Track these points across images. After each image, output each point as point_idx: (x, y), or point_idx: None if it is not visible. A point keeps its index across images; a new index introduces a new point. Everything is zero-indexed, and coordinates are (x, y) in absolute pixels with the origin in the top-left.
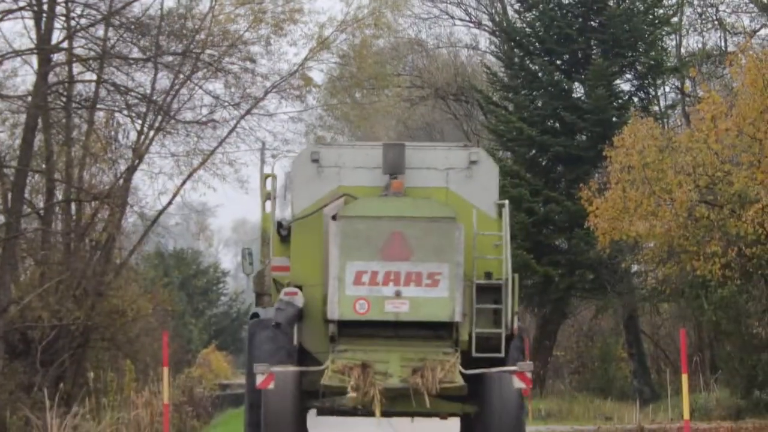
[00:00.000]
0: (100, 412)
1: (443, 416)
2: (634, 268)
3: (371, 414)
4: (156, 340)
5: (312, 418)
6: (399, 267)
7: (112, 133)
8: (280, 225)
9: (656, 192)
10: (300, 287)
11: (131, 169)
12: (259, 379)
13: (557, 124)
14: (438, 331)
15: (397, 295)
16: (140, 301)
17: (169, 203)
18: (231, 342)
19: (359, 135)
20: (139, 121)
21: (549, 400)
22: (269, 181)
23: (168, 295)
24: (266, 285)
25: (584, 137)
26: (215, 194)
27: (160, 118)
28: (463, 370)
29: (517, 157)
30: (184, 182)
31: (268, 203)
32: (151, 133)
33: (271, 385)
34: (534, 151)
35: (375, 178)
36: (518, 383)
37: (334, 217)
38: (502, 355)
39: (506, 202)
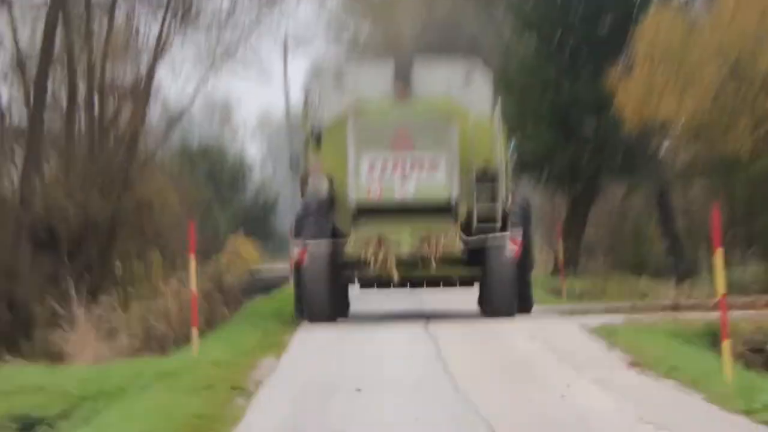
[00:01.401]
0: (128, 301)
1: (461, 282)
2: (664, 147)
3: (401, 282)
4: (184, 229)
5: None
6: (405, 156)
7: (134, 26)
8: (312, 131)
9: (682, 73)
10: (331, 180)
11: (155, 60)
12: (295, 254)
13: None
14: (440, 208)
15: (404, 179)
16: (167, 193)
17: (195, 95)
18: (259, 229)
19: (382, 27)
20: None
21: (583, 278)
22: (309, 93)
23: (194, 186)
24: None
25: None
26: (239, 87)
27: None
28: (464, 237)
29: (542, 38)
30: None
31: (309, 112)
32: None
33: (306, 258)
34: (561, 32)
35: (389, 89)
36: (510, 247)
37: (352, 118)
38: (499, 225)
39: (499, 98)
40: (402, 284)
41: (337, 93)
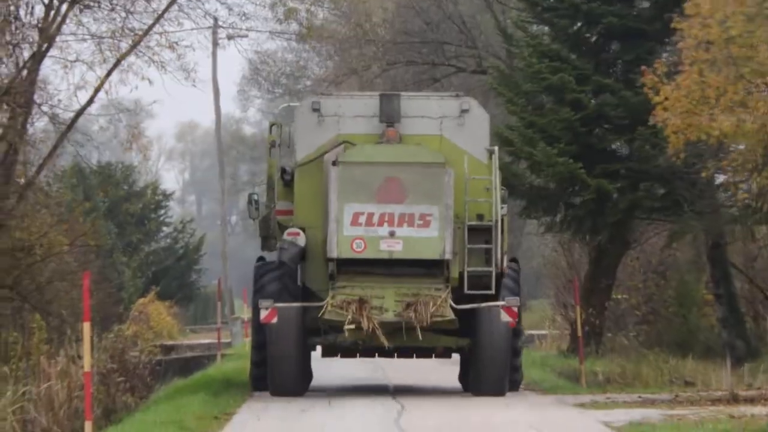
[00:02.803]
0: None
1: (438, 353)
2: (719, 178)
3: (371, 350)
4: (75, 286)
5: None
6: (393, 209)
7: (11, 7)
8: (283, 171)
9: (745, 75)
10: (303, 229)
11: (38, 56)
12: (263, 314)
13: None
14: (430, 268)
15: (391, 235)
16: (52, 234)
17: (90, 101)
18: (177, 288)
19: (344, 8)
20: None
21: (608, 359)
22: (275, 128)
23: (91, 225)
24: (272, 228)
25: (647, 3)
26: (152, 88)
27: None
28: (454, 305)
29: (556, 32)
30: (109, 72)
31: (273, 150)
32: (64, 6)
33: (275, 320)
34: (579, 24)
35: (372, 126)
36: (505, 317)
37: (334, 163)
38: (493, 291)
39: (495, 148)
40: (371, 353)
41: (313, 128)
